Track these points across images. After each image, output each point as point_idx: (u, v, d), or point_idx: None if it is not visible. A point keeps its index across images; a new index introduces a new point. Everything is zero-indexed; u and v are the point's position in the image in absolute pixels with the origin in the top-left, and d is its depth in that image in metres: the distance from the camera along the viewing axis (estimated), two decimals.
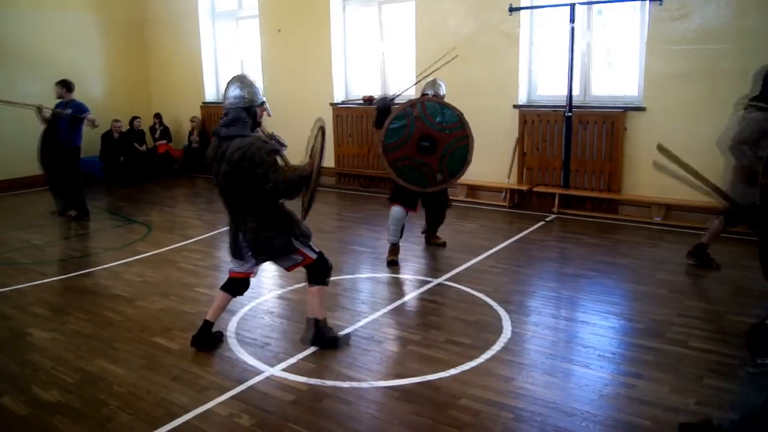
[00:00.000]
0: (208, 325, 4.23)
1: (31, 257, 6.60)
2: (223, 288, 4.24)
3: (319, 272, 4.15)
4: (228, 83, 3.93)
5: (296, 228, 4.03)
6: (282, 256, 4.05)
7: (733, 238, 6.45)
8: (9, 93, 10.46)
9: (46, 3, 11.03)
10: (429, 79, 6.21)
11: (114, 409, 3.47)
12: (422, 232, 6.67)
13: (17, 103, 8.54)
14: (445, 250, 6.43)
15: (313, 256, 4.11)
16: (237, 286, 4.22)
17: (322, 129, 3.97)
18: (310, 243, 4.14)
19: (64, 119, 7.98)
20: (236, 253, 4.06)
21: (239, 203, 3.94)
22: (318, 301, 4.16)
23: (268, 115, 4.11)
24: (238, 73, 4.17)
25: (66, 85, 8.11)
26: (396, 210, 5.86)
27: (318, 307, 4.17)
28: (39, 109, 8.17)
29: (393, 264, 5.93)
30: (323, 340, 4.15)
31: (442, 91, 6.06)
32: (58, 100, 8.17)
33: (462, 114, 5.77)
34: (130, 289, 5.48)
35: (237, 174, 3.78)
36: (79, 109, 8.03)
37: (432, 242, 6.57)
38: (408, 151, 5.65)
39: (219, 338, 4.33)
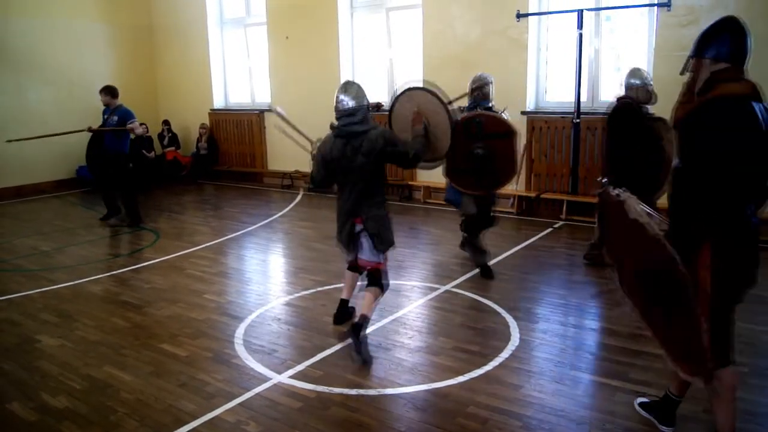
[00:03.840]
0: (344, 302, 4.69)
1: (40, 264, 6.63)
2: (350, 268, 4.61)
3: (378, 278, 4.33)
4: (348, 86, 4.30)
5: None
6: (386, 248, 4.29)
7: None
8: (20, 100, 10.64)
9: (56, 11, 11.13)
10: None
11: (121, 416, 3.48)
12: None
13: (69, 132, 8.73)
14: (453, 256, 6.42)
15: (387, 261, 4.41)
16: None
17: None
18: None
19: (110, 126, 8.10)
20: (350, 246, 4.35)
21: (371, 193, 4.22)
22: (370, 301, 4.24)
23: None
24: (349, 78, 4.85)
25: (110, 92, 8.14)
26: None
27: (368, 306, 4.22)
28: (90, 129, 8.39)
29: None
30: (359, 345, 4.11)
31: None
32: (105, 108, 8.30)
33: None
34: (138, 296, 5.49)
35: (378, 160, 4.18)
36: (124, 117, 8.05)
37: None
38: None
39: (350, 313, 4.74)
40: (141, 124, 8.49)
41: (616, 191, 2.73)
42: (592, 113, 7.83)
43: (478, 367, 3.92)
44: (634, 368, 3.89)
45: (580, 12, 7.50)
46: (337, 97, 4.25)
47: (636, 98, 5.30)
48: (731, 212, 2.62)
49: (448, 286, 5.48)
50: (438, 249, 6.81)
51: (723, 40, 2.73)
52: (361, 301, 4.36)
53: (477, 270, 5.85)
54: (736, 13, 6.99)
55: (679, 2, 6.95)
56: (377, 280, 4.32)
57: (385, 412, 3.45)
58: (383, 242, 4.25)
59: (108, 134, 8.14)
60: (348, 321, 4.57)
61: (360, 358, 4.00)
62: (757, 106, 2.62)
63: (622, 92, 5.46)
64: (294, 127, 5.00)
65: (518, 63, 8.29)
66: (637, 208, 2.61)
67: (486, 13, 8.43)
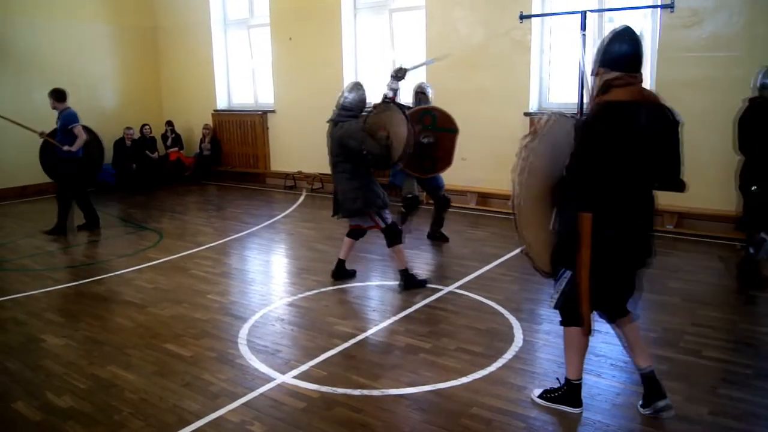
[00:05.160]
0: (342, 262, 5.64)
1: (44, 264, 6.65)
2: (348, 235, 5.64)
3: (392, 237, 5.39)
4: (356, 87, 5.31)
5: (375, 199, 5.28)
6: (358, 216, 5.37)
7: None
8: (25, 101, 10.65)
9: (60, 12, 11.16)
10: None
11: (126, 416, 3.49)
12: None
13: (22, 125, 8.20)
14: (456, 257, 6.42)
15: (382, 225, 5.37)
16: (356, 233, 5.62)
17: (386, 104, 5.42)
18: (384, 213, 5.35)
19: (59, 132, 7.68)
20: (336, 210, 5.50)
21: (341, 171, 5.27)
22: (398, 256, 5.43)
23: None
24: (356, 80, 5.65)
25: (55, 95, 7.74)
26: None
27: (399, 261, 5.43)
28: (42, 134, 8.02)
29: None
30: (412, 283, 5.43)
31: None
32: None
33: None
34: (142, 296, 5.51)
35: (342, 147, 5.19)
36: (66, 121, 7.64)
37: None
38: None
39: (352, 274, 5.78)
40: (85, 128, 7.88)
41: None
42: None
43: (482, 368, 3.93)
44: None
45: (584, 13, 7.48)
46: (343, 92, 5.28)
47: None
48: (608, 200, 3.04)
49: (451, 287, 5.48)
50: (441, 250, 6.82)
51: (617, 50, 3.06)
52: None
53: (478, 272, 5.88)
54: (739, 14, 7.07)
55: (683, 3, 6.95)
56: (391, 240, 5.38)
57: (389, 413, 3.45)
58: (342, 210, 5.38)
59: (59, 139, 7.72)
60: (345, 278, 5.68)
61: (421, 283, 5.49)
62: (643, 109, 2.99)
63: (754, 93, 5.43)
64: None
65: (521, 64, 8.29)
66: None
67: (489, 15, 8.44)
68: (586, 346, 3.36)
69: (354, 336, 4.47)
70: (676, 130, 3.10)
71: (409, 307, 5.08)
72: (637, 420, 3.31)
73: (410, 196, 6.60)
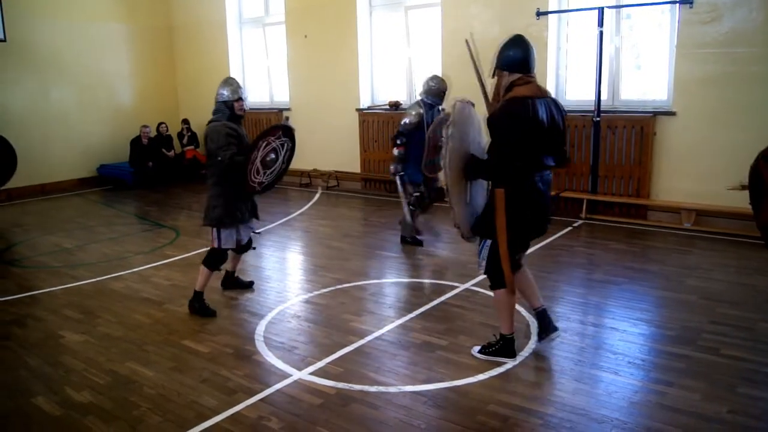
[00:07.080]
0: (231, 274, 5.54)
1: (62, 261, 6.72)
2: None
3: (212, 258, 5.05)
4: (221, 84, 4.95)
5: (233, 213, 4.94)
6: (212, 226, 4.95)
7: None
8: (43, 99, 10.80)
9: (79, 13, 11.27)
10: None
11: (145, 411, 3.52)
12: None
13: None
14: (472, 255, 6.40)
15: (215, 245, 5.00)
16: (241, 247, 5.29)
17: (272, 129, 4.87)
18: (223, 233, 4.96)
19: None
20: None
21: (210, 173, 4.94)
22: (201, 276, 5.04)
23: (243, 110, 4.95)
24: (229, 76, 5.29)
25: None
26: None
27: (201, 281, 5.04)
28: None
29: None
30: (200, 309, 5.00)
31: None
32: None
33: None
34: (159, 293, 5.55)
35: (205, 146, 4.93)
36: None
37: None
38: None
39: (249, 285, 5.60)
40: None
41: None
42: (613, 111, 7.78)
43: (498, 365, 3.92)
44: (654, 367, 3.87)
45: (601, 10, 7.45)
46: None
47: None
48: (520, 178, 3.63)
49: (466, 285, 5.47)
50: (457, 247, 6.80)
51: (514, 56, 3.73)
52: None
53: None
54: (758, 10, 6.98)
55: None
56: (209, 260, 5.09)
57: (405, 409, 3.45)
58: (204, 218, 5.04)
59: None
60: (234, 288, 5.54)
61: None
62: (541, 103, 3.63)
63: None
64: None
65: (538, 61, 8.04)
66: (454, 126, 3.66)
67: (505, 12, 8.39)
68: (514, 303, 3.96)
69: (370, 333, 4.48)
70: (563, 118, 3.76)
71: (426, 304, 5.08)
72: (655, 418, 3.29)
73: (418, 194, 6.65)
